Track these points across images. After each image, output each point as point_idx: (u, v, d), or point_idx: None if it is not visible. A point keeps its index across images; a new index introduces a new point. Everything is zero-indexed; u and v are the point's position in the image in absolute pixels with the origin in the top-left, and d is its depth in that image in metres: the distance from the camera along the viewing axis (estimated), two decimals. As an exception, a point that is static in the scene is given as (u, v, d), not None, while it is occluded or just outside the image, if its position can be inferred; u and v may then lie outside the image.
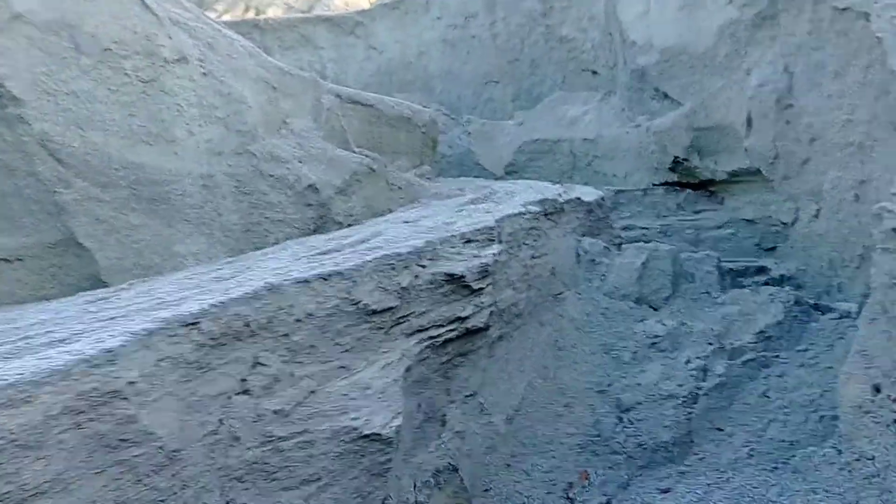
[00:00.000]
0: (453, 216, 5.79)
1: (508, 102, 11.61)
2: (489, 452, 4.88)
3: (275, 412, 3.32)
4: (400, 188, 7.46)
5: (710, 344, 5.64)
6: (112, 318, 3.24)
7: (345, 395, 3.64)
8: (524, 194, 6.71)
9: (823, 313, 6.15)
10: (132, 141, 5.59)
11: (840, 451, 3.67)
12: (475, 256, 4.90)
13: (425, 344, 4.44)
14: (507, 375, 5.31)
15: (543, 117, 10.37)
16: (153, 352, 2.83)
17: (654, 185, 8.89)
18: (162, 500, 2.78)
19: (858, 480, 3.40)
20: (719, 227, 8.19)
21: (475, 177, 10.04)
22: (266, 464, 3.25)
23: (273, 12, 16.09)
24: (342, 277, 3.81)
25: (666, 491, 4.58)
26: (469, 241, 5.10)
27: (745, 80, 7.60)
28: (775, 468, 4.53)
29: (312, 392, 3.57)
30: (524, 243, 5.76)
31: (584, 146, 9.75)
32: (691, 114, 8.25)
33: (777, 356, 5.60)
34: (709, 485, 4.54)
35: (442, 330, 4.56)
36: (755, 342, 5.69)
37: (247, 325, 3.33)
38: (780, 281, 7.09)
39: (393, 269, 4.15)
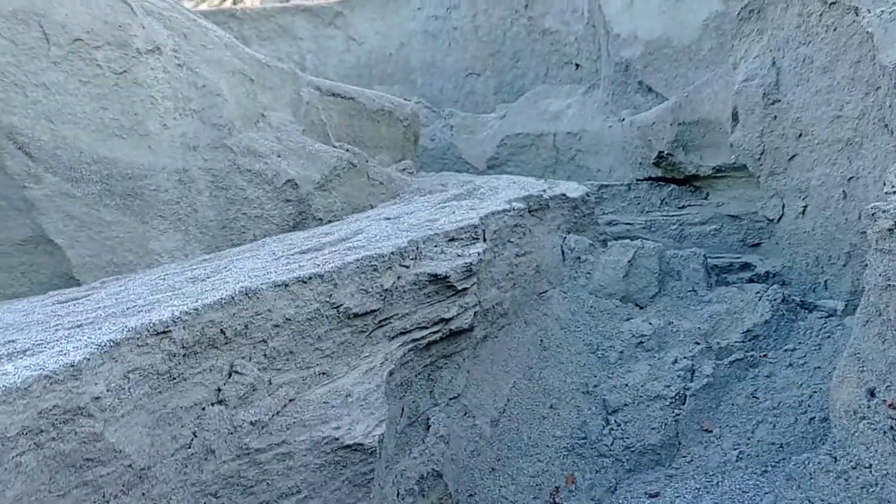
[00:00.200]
0: (436, 213, 5.65)
1: (490, 95, 11.49)
2: (474, 456, 4.76)
3: (252, 423, 3.16)
4: (381, 183, 7.30)
5: (698, 343, 5.55)
6: (78, 326, 3.06)
7: (325, 403, 3.48)
8: (508, 190, 6.58)
9: (810, 311, 6.09)
10: (104, 134, 5.44)
11: (836, 459, 3.58)
12: (459, 256, 4.76)
13: (408, 347, 4.29)
14: (491, 377, 5.18)
15: (526, 111, 10.24)
16: (120, 364, 2.66)
17: (638, 180, 8.80)
18: (131, 521, 2.62)
19: (855, 489, 3.31)
20: (703, 223, 8.11)
21: (457, 171, 9.91)
22: (242, 477, 3.09)
23: (250, 2, 15.81)
24: (322, 280, 3.65)
25: (654, 495, 4.48)
26: (453, 239, 4.96)
27: (731, 74, 7.52)
28: (765, 472, 4.44)
29: (291, 400, 3.42)
30: (509, 241, 5.63)
31: (568, 140, 9.64)
32: (676, 108, 8.16)
33: (765, 356, 5.52)
34: (698, 489, 4.44)
35: (425, 332, 4.42)
36: (742, 341, 5.61)
37: (222, 331, 3.17)
38: (766, 278, 7.04)
39: (375, 270, 4.00)
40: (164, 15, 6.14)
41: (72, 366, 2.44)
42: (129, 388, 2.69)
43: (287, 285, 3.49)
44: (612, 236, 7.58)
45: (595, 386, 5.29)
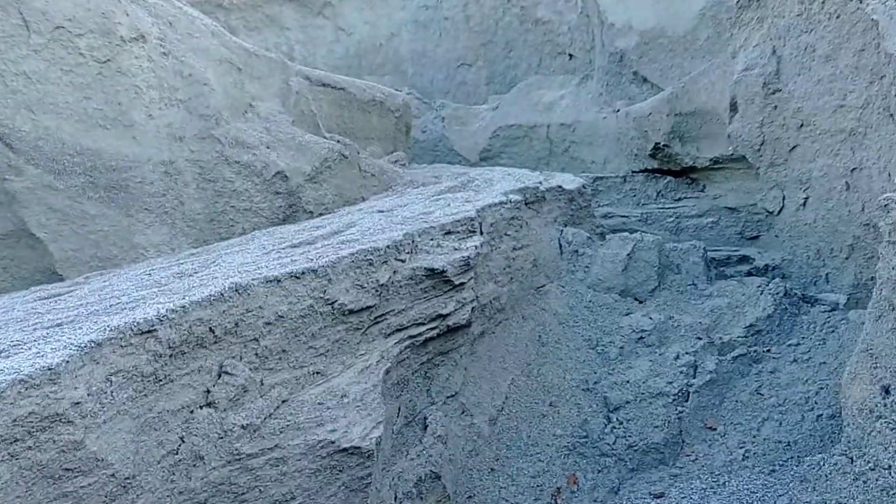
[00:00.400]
0: (430, 206, 5.49)
1: (482, 86, 11.32)
2: (472, 456, 4.61)
3: (243, 427, 2.99)
4: (373, 175, 7.12)
5: (699, 338, 5.41)
6: (58, 325, 2.88)
7: (320, 404, 3.32)
8: (503, 182, 6.42)
9: (812, 305, 5.97)
10: (88, 125, 5.28)
11: (852, 460, 3.45)
12: (456, 249, 4.61)
13: (405, 344, 4.14)
14: (489, 374, 5.03)
15: (519, 102, 10.08)
16: (102, 366, 2.49)
17: (633, 171, 8.67)
18: (115, 534, 2.45)
19: (874, 492, 3.18)
20: (700, 216, 7.98)
21: (449, 163, 9.75)
22: (234, 484, 2.92)
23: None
24: (316, 275, 3.48)
25: (659, 496, 4.35)
26: (449, 232, 4.80)
27: (729, 63, 7.38)
28: (773, 471, 4.32)
29: (284, 402, 3.25)
30: (505, 234, 5.48)
31: (561, 132, 9.49)
32: (672, 98, 8.02)
33: (768, 351, 5.40)
34: (704, 489, 4.31)
35: (422, 328, 4.26)
36: (745, 336, 5.48)
37: (211, 330, 2.99)
38: (765, 271, 6.92)
39: (371, 264, 3.83)
40: (149, 2, 5.94)
41: (49, 369, 2.27)
42: (112, 392, 2.52)
43: (279, 281, 3.32)
44: (608, 229, 7.45)
45: (595, 383, 5.15)
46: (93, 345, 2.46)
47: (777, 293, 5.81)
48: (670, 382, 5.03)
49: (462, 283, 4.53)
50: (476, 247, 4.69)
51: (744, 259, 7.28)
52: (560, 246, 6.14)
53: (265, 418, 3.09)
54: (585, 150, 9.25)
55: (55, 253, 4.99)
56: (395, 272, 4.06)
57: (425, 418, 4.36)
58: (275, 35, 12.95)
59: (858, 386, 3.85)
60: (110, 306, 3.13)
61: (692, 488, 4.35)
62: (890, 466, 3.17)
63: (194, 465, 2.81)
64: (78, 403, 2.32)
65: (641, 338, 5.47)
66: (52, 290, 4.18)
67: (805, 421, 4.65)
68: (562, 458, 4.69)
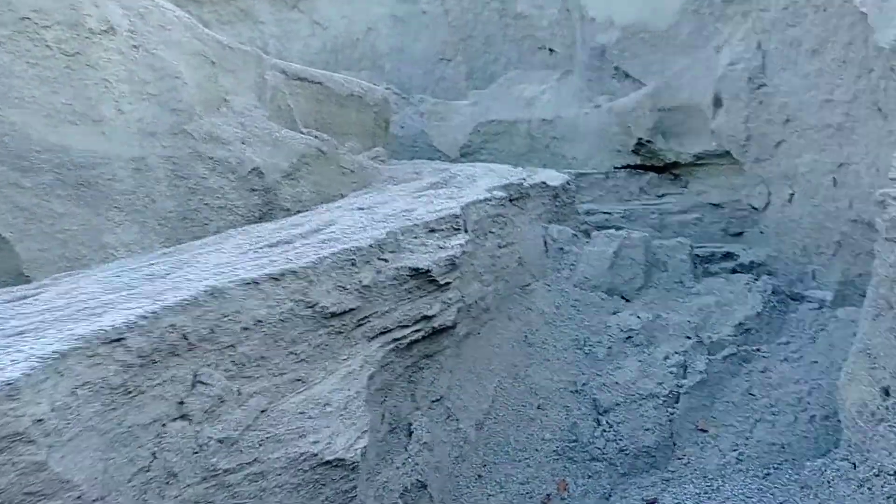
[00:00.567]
0: (413, 203, 5.32)
1: (462, 81, 11.13)
2: (459, 462, 4.46)
3: (219, 440, 2.81)
4: (352, 171, 6.93)
5: (688, 338, 5.31)
6: (21, 333, 2.68)
7: (301, 413, 3.14)
8: (486, 178, 6.26)
9: (799, 302, 5.90)
10: (55, 120, 5.07)
11: (855, 465, 3.35)
12: (441, 248, 4.45)
13: (389, 347, 3.97)
14: (475, 376, 4.88)
15: (499, 97, 9.92)
16: (67, 378, 2.29)
17: (616, 168, 8.55)
18: (82, 561, 2.26)
19: (880, 500, 3.07)
20: (684, 212, 7.89)
21: (429, 159, 9.56)
22: (210, 502, 2.74)
23: (210, -16, 15.21)
24: (296, 276, 3.30)
25: (652, 502, 4.23)
26: (433, 230, 4.63)
27: (712, 58, 7.30)
28: (768, 474, 4.22)
29: (263, 412, 3.07)
30: (490, 232, 5.33)
31: (542, 127, 9.35)
32: (655, 94, 7.92)
33: (758, 350, 5.30)
34: (697, 494, 4.20)
35: (407, 331, 4.10)
36: (734, 335, 5.38)
37: (184, 337, 2.81)
38: (750, 267, 6.84)
39: (353, 264, 3.67)
40: (118, -8, 5.70)
41: (9, 384, 2.07)
42: (78, 407, 2.33)
43: (257, 283, 3.14)
44: (592, 226, 7.33)
45: (584, 384, 5.02)
46: (57, 356, 2.27)
47: (765, 291, 5.73)
48: (660, 383, 4.92)
49: (447, 283, 4.38)
50: (461, 245, 4.54)
51: (728, 256, 7.20)
52: (545, 244, 6.01)
53: (243, 430, 2.91)
54: (567, 146, 9.11)
55: (22, 253, 4.79)
56: (378, 272, 3.89)
57: (410, 424, 4.21)
58: (249, 29, 12.65)
59: (856, 387, 3.75)
60: (77, 311, 2.92)
61: (685, 493, 4.23)
62: (895, 472, 3.06)
63: (168, 483, 2.63)
64: (40, 421, 2.14)
65: (629, 337, 5.35)
66: (18, 293, 3.95)
67: (798, 422, 4.55)
68: (551, 463, 4.56)
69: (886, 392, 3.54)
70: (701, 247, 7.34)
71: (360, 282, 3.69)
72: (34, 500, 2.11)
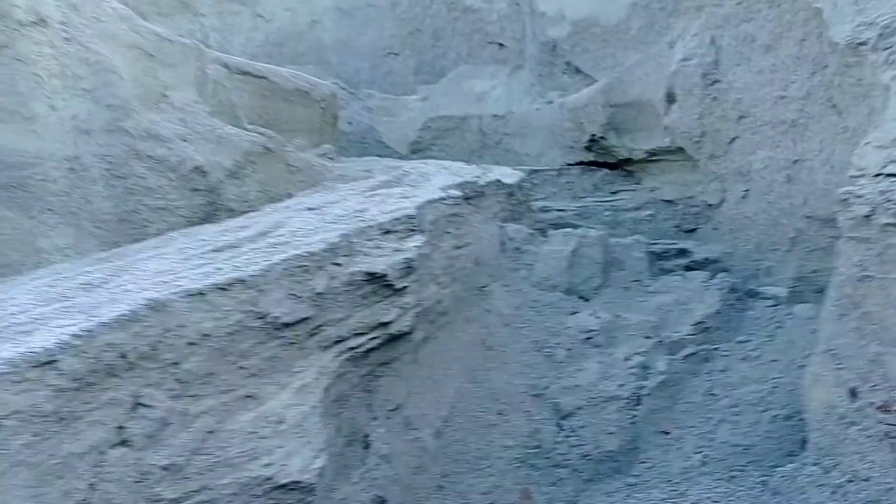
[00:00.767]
0: (365, 202, 5.11)
1: (410, 76, 10.92)
2: (418, 473, 4.27)
3: (163, 467, 2.57)
4: (300, 170, 6.67)
5: (648, 338, 5.23)
6: (-65, 355, 2.40)
7: (253, 433, 2.92)
8: (440, 176, 6.09)
9: (756, 299, 5.88)
10: (-18, 119, 4.72)
11: (827, 470, 3.28)
12: (397, 250, 4.25)
13: (345, 357, 3.76)
14: (433, 382, 4.70)
15: (449, 92, 9.76)
16: (-12, 409, 2.04)
17: (568, 164, 8.46)
18: None
19: (856, 506, 3.01)
20: (638, 209, 7.83)
21: (378, 156, 9.33)
22: (154, 536, 2.51)
23: (146, -25, 14.65)
24: (245, 286, 3.07)
25: (619, 510, 4.12)
26: (388, 231, 4.43)
27: (664, 54, 7.24)
28: (733, 477, 4.14)
29: (211, 433, 2.83)
30: (446, 232, 5.15)
31: (494, 123, 9.22)
32: (607, 89, 7.85)
33: (717, 349, 5.26)
34: (663, 499, 4.10)
35: (363, 339, 3.89)
36: (694, 334, 5.33)
37: (123, 356, 2.56)
38: (704, 264, 6.81)
39: (306, 271, 3.45)
40: (48, -19, 5.35)
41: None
42: (5, 440, 2.08)
43: (203, 294, 2.90)
44: (546, 224, 7.21)
45: (545, 388, 4.89)
46: (-27, 385, 2.02)
47: (723, 288, 5.70)
48: (622, 385, 4.82)
49: (404, 287, 4.18)
50: (418, 247, 4.36)
51: (682, 252, 7.16)
52: (502, 243, 5.86)
53: (190, 455, 2.67)
54: (519, 143, 9.00)
55: (-53, 260, 4.45)
56: (332, 278, 3.68)
57: (367, 436, 4.01)
58: (188, 21, 12.21)
59: (822, 388, 3.70)
60: (4, 328, 2.65)
61: (651, 499, 4.13)
62: (869, 478, 3.00)
63: (106, 518, 2.39)
64: (-46, 460, 1.88)
65: (589, 338, 5.24)
66: (-61, 306, 3.64)
67: (761, 422, 4.50)
68: (513, 471, 4.41)
69: (853, 393, 3.48)
70: (655, 243, 7.29)
71: (314, 289, 3.47)
72: (-51, 552, 1.86)
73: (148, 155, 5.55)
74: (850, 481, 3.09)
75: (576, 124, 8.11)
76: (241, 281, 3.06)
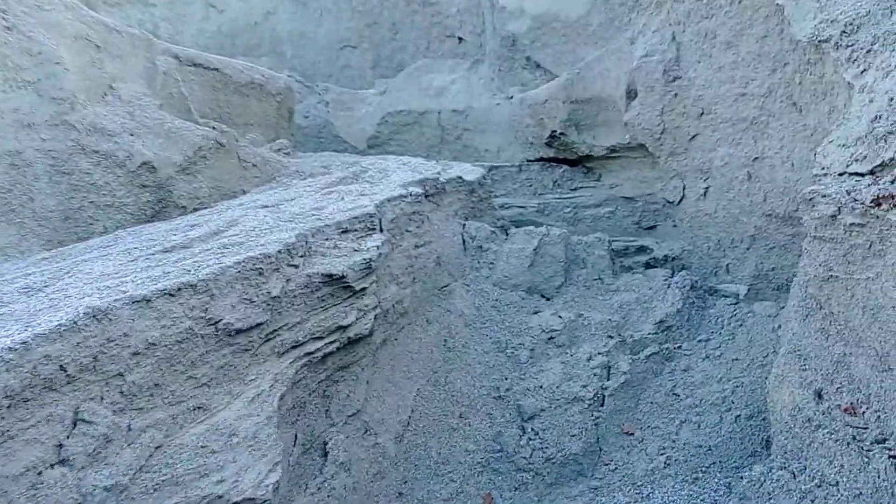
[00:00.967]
0: (322, 200, 4.95)
1: (367, 70, 10.73)
2: (378, 480, 4.14)
3: (106, 488, 2.39)
4: (254, 165, 6.47)
5: (610, 337, 5.17)
6: None
7: (203, 447, 2.76)
8: (399, 172, 5.94)
9: (716, 297, 5.87)
10: (-81, 112, 4.48)
11: (794, 475, 3.24)
12: (356, 250, 4.11)
13: (302, 362, 3.61)
14: (393, 386, 4.57)
15: (407, 86, 9.60)
16: None
17: (528, 160, 8.37)
18: None
19: (825, 512, 2.97)
20: (598, 206, 7.79)
21: (335, 150, 9.15)
22: (96, 562, 2.34)
23: (94, -38, 14.15)
24: (195, 291, 2.90)
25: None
26: (346, 230, 4.29)
27: (625, 49, 7.19)
28: (697, 479, 4.10)
29: (158, 448, 2.67)
30: (406, 231, 5.01)
31: (453, 118, 9.09)
32: (568, 85, 7.77)
33: (679, 347, 5.22)
34: (627, 503, 4.03)
35: (321, 343, 3.75)
36: (656, 333, 5.28)
37: (62, 368, 2.38)
38: (664, 261, 6.80)
39: (260, 274, 3.28)
40: (-14, -33, 5.07)
41: None
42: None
43: (149, 301, 2.72)
44: (507, 221, 7.12)
45: (507, 389, 4.79)
46: None
47: (684, 286, 5.66)
48: (585, 386, 4.75)
49: (363, 289, 4.05)
50: (378, 247, 4.22)
51: (642, 249, 7.14)
52: (463, 241, 5.74)
53: (134, 474, 2.50)
54: (479, 138, 8.89)
55: None
56: (288, 281, 3.52)
57: (325, 443, 3.86)
58: (138, 11, 11.82)
59: (787, 389, 3.66)
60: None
61: (615, 503, 4.06)
62: (838, 482, 2.96)
63: (42, 544, 2.21)
64: None
65: (552, 338, 5.16)
66: None
67: (724, 422, 4.47)
68: (476, 476, 4.31)
69: (819, 395, 3.45)
70: (615, 240, 7.26)
71: (269, 292, 3.31)
72: None
73: (94, 150, 5.35)
74: (819, 486, 3.05)
75: (536, 120, 8.03)
76: (191, 286, 2.89)
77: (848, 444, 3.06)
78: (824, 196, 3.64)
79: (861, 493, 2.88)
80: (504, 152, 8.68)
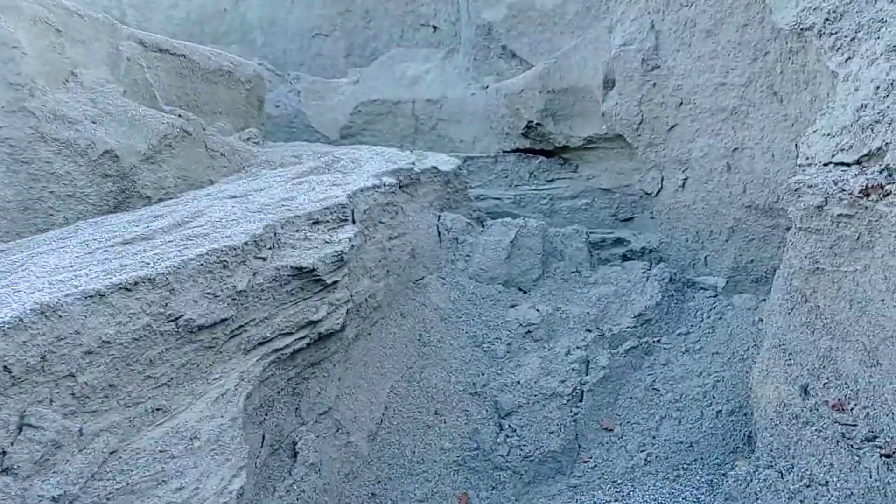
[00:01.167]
0: (292, 190, 4.77)
1: (340, 58, 10.51)
2: (350, 480, 3.99)
3: (54, 498, 2.22)
4: (222, 154, 6.26)
5: (589, 331, 5.05)
6: None
7: (161, 451, 2.58)
8: (373, 162, 5.77)
9: (695, 290, 5.78)
10: None
11: (782, 474, 3.14)
12: (327, 242, 3.94)
13: (270, 359, 3.44)
14: (366, 382, 4.41)
15: (381, 75, 9.40)
16: None
17: (504, 151, 8.23)
18: None
19: (815, 513, 2.87)
20: (574, 197, 7.67)
21: (307, 140, 8.94)
22: (42, 579, 2.16)
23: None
24: (154, 285, 2.72)
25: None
26: (317, 222, 4.12)
27: (602, 39, 7.07)
28: (678, 476, 4.00)
29: (113, 453, 2.49)
30: (380, 222, 4.85)
31: (428, 108, 8.92)
32: (545, 75, 7.64)
33: (658, 341, 5.12)
34: (607, 501, 3.93)
35: (290, 339, 3.58)
36: (634, 326, 5.18)
37: (6, 369, 2.20)
38: (641, 254, 6.71)
39: (225, 267, 3.11)
40: (-65, -58, 4.83)
41: None
42: None
43: (103, 296, 2.54)
44: (481, 212, 6.98)
45: (484, 385, 4.66)
46: None
47: (662, 279, 5.57)
48: (563, 381, 4.63)
49: (335, 283, 3.89)
50: (350, 238, 4.05)
51: (619, 241, 7.05)
52: (438, 233, 5.59)
53: (86, 482, 2.32)
54: (454, 128, 8.74)
55: None
56: (255, 274, 3.35)
57: (295, 443, 3.70)
58: (104, -3, 11.50)
59: (772, 384, 3.57)
60: None
61: (595, 501, 3.95)
62: (827, 482, 2.86)
63: (-18, 561, 2.03)
64: None
65: (529, 332, 5.03)
66: None
67: (705, 418, 4.38)
68: (451, 475, 4.17)
69: (805, 391, 3.36)
70: (592, 232, 7.16)
71: (234, 287, 3.14)
72: None
73: (54, 138, 5.18)
74: (808, 486, 2.95)
75: (512, 110, 7.89)
76: (149, 280, 2.71)
77: (837, 441, 2.97)
78: (810, 186, 3.54)
79: (852, 493, 2.78)
80: (479, 143, 8.53)
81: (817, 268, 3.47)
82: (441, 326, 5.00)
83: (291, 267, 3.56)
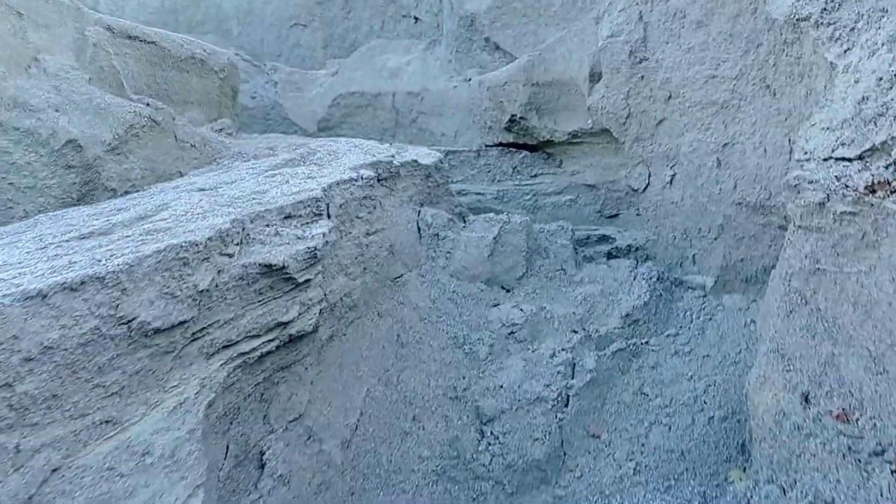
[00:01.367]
0: (265, 183, 4.52)
1: (319, 49, 10.25)
2: (322, 492, 3.76)
3: (-19, 525, 1.97)
4: (192, 146, 6.00)
5: (575, 332, 4.85)
6: None
7: (110, 469, 2.34)
8: (350, 155, 5.53)
9: (684, 290, 5.59)
10: None
11: (784, 490, 2.95)
12: (299, 238, 3.71)
13: (235, 363, 3.20)
14: (340, 386, 4.18)
15: (361, 67, 9.14)
16: None
17: (487, 145, 8.01)
18: None
19: (820, 533, 2.68)
20: (559, 193, 7.47)
21: (283, 133, 8.67)
22: None
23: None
24: (103, 284, 2.47)
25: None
26: (289, 216, 3.88)
27: (588, 31, 6.87)
28: (669, 487, 3.81)
29: (55, 471, 2.24)
30: (357, 217, 4.62)
31: (408, 101, 8.68)
32: (529, 68, 7.42)
33: (647, 343, 4.92)
34: (595, 514, 3.72)
35: (257, 342, 3.35)
36: (622, 327, 4.97)
37: (-75, 379, 1.95)
38: (627, 251, 6.51)
39: (185, 264, 2.86)
40: None
41: None
42: None
43: (45, 296, 2.29)
44: (464, 207, 6.76)
45: (465, 389, 4.44)
46: None
47: (650, 278, 5.37)
48: (548, 385, 4.42)
49: (307, 281, 3.65)
50: (324, 234, 3.82)
51: (603, 239, 6.84)
52: (418, 229, 5.36)
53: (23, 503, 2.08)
54: (435, 122, 8.50)
55: None
56: (220, 272, 3.11)
57: (262, 454, 3.46)
58: (75, -17, 11.15)
59: (770, 392, 3.37)
60: None
61: (581, 513, 3.75)
62: (834, 500, 2.66)
63: None
64: None
65: (512, 332, 4.82)
66: None
67: (696, 424, 4.18)
68: (430, 485, 3.95)
69: (806, 399, 3.16)
70: (576, 229, 6.96)
71: (196, 286, 2.90)
72: None
73: (14, 127, 4.97)
74: (812, 503, 2.77)
75: (495, 103, 7.67)
76: (98, 279, 2.46)
77: (843, 455, 2.78)
78: (811, 182, 3.35)
79: (860, 511, 2.61)
80: (462, 137, 8.30)
81: (818, 268, 3.28)
82: (420, 327, 4.77)
83: (260, 264, 3.32)
